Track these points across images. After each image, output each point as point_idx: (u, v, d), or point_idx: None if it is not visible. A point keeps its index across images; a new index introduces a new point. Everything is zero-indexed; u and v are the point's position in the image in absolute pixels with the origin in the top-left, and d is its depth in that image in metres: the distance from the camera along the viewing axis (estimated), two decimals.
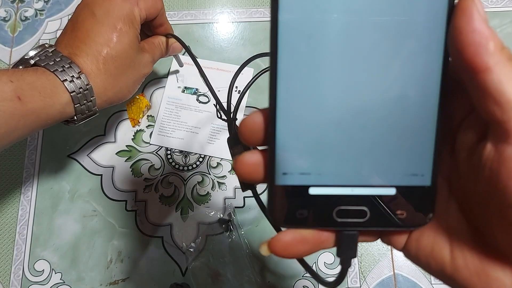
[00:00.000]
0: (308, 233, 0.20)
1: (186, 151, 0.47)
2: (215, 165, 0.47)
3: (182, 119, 0.48)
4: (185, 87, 0.50)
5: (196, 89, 0.49)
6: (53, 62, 0.33)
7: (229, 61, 0.50)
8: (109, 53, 0.35)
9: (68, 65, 0.33)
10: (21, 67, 0.33)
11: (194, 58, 0.38)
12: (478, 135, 0.17)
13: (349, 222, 0.19)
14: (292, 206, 0.19)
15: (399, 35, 0.18)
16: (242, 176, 0.20)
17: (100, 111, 0.48)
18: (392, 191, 0.19)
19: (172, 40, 0.42)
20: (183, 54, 0.51)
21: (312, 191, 0.19)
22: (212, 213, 0.45)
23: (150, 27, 0.41)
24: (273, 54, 0.18)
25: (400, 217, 0.19)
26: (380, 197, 0.19)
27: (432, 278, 0.43)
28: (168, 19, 0.43)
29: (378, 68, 0.18)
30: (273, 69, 0.18)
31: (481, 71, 0.15)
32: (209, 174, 0.47)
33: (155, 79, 0.50)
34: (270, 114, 0.19)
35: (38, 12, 0.54)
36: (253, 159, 0.19)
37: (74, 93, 0.33)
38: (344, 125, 0.18)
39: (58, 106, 0.32)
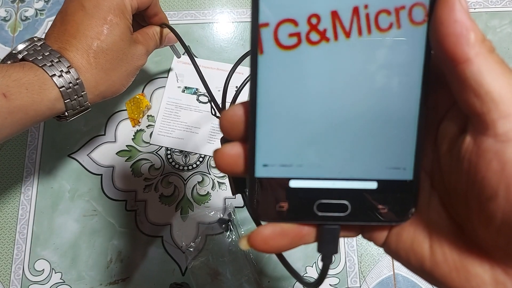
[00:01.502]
0: (289, 227, 0.19)
1: (186, 151, 0.47)
2: (215, 165, 0.47)
3: (182, 119, 0.48)
4: (185, 87, 0.50)
5: (196, 89, 0.49)
6: (41, 57, 0.32)
7: (229, 61, 0.50)
8: (99, 46, 0.34)
9: (57, 60, 0.32)
10: (9, 62, 0.33)
11: (185, 46, 0.38)
12: (458, 129, 0.17)
13: (330, 216, 0.19)
14: (272, 199, 0.19)
15: (381, 27, 0.17)
16: (222, 168, 0.19)
17: (100, 111, 0.49)
18: (373, 185, 0.19)
19: (167, 30, 0.41)
20: (183, 54, 0.51)
21: (293, 183, 0.19)
22: (212, 213, 0.45)
23: (144, 17, 0.40)
24: (253, 46, 0.18)
25: (381, 212, 0.19)
26: (361, 191, 0.19)
27: None
28: (168, 18, 0.43)
29: (359, 61, 0.18)
30: (253, 61, 0.18)
31: (462, 62, 0.15)
32: (209, 174, 0.47)
33: (155, 79, 0.50)
34: (250, 105, 0.18)
35: (38, 12, 0.54)
36: (234, 150, 0.19)
37: (64, 88, 0.32)
38: (326, 118, 0.18)
39: (46, 102, 0.32)
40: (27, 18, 0.53)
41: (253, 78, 0.18)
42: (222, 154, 0.19)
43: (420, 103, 0.18)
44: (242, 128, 0.19)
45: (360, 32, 0.17)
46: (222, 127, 0.19)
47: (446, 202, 0.19)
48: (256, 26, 0.18)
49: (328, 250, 0.20)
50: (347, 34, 0.17)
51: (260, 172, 0.19)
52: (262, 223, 0.20)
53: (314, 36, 0.17)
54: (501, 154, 0.15)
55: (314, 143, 0.19)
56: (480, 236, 0.17)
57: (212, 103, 0.30)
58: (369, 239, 0.21)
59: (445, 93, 0.18)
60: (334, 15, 0.17)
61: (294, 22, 0.17)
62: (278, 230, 0.19)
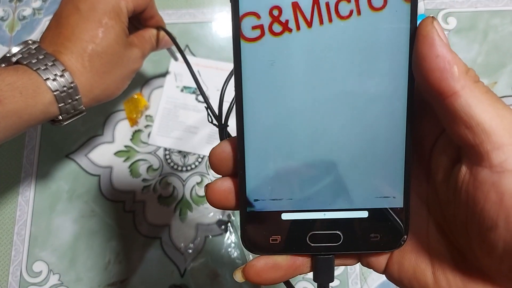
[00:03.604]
0: (282, 259, 0.20)
1: (185, 152, 0.47)
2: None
3: (181, 119, 0.48)
4: (184, 87, 0.49)
5: (195, 89, 0.49)
6: (36, 60, 0.32)
7: (228, 60, 0.50)
8: (94, 50, 0.34)
9: (52, 63, 0.32)
10: (3, 65, 0.33)
11: (182, 53, 0.37)
12: (452, 157, 0.17)
13: (323, 247, 0.19)
14: (264, 233, 0.19)
15: (363, 59, 0.18)
16: (214, 204, 0.20)
17: (98, 111, 0.48)
18: (364, 214, 0.19)
19: (163, 33, 0.41)
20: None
21: (284, 216, 0.19)
22: (211, 214, 0.45)
23: (140, 20, 0.39)
24: (237, 81, 0.18)
25: (374, 240, 0.19)
26: (353, 220, 0.19)
27: None
28: (166, 18, 0.43)
29: (343, 92, 0.18)
30: (238, 98, 0.18)
31: (449, 96, 0.16)
32: (208, 174, 0.47)
33: (153, 79, 0.50)
34: (238, 142, 0.19)
35: (36, 11, 0.53)
36: (224, 186, 0.20)
37: (58, 92, 0.32)
38: (313, 150, 0.19)
39: (40, 106, 0.31)
40: (24, 17, 0.53)
41: (238, 114, 0.19)
42: (213, 189, 0.20)
43: (406, 131, 0.18)
44: (231, 165, 0.20)
45: (321, 21, 0.17)
46: (212, 164, 0.20)
47: (445, 229, 0.19)
48: (238, 52, 0.18)
49: (324, 279, 0.20)
50: (309, 24, 0.18)
51: (252, 206, 0.19)
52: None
53: (277, 28, 0.18)
54: (498, 185, 0.15)
55: (304, 176, 0.19)
56: (482, 263, 0.17)
57: (209, 110, 0.30)
58: (368, 266, 0.21)
59: (432, 119, 0.18)
60: (295, 6, 0.17)
61: (257, 15, 0.18)
62: (271, 263, 0.19)
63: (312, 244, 0.19)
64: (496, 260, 0.16)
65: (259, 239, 0.19)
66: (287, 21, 0.18)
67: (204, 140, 0.47)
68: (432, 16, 0.16)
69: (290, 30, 0.18)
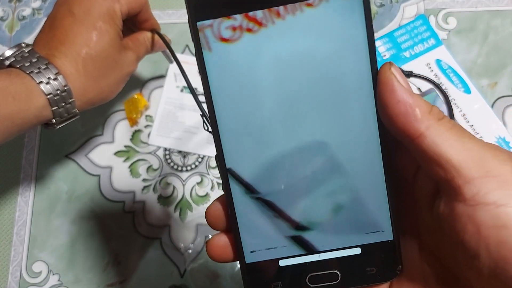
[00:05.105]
0: None
1: (185, 152, 0.47)
2: (214, 165, 0.47)
3: (181, 119, 0.48)
4: (184, 86, 0.49)
5: (195, 89, 0.49)
6: (29, 63, 0.31)
7: None
8: (88, 54, 0.33)
9: (45, 66, 0.32)
10: None
11: (175, 57, 0.37)
12: (431, 190, 0.18)
13: (323, 286, 0.20)
14: (266, 280, 0.20)
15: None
16: (214, 259, 0.21)
17: (98, 111, 0.48)
18: (357, 251, 0.20)
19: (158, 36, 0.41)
20: (181, 52, 0.50)
21: (282, 263, 0.20)
22: None
23: (135, 22, 0.39)
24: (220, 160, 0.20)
25: (370, 273, 0.20)
26: (347, 258, 0.20)
27: None
28: (166, 18, 0.42)
29: (319, 132, 0.19)
30: (221, 162, 0.20)
31: (416, 138, 0.16)
32: (208, 174, 0.47)
33: (153, 79, 0.50)
34: (227, 200, 0.20)
35: (35, 11, 0.53)
36: (222, 241, 0.21)
37: (51, 95, 0.32)
38: (299, 199, 0.19)
39: (33, 110, 0.31)
40: (24, 17, 0.53)
41: (223, 175, 0.20)
42: (212, 245, 0.21)
43: (384, 167, 0.19)
44: (224, 221, 0.21)
45: (293, 12, 0.18)
46: (208, 222, 0.21)
47: (437, 253, 0.19)
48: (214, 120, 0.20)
49: None
50: (282, 17, 0.18)
51: (249, 258, 0.20)
52: None
53: (253, 26, 0.18)
54: (474, 218, 0.15)
55: (295, 224, 0.20)
56: (474, 285, 0.17)
57: (204, 118, 0.30)
58: None
59: (409, 154, 0.19)
60: (284, 88, 0.18)
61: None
62: None
63: (312, 285, 0.20)
64: (485, 283, 0.16)
65: (261, 286, 0.20)
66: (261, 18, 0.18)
67: (204, 140, 0.47)
68: (390, 62, 0.17)
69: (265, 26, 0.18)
